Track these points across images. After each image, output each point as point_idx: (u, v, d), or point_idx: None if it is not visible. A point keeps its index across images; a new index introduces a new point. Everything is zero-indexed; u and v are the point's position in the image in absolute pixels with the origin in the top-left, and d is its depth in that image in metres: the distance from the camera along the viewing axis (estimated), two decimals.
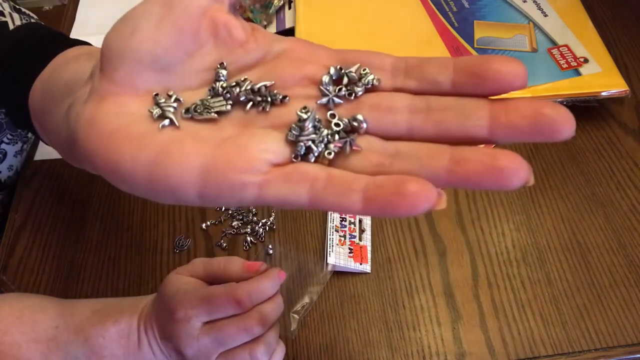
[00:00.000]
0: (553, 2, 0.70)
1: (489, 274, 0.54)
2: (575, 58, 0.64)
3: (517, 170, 0.20)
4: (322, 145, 0.23)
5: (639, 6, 0.75)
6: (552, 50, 0.65)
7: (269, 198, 0.22)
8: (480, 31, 0.68)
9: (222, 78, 0.25)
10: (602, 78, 0.62)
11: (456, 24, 0.69)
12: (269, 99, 0.24)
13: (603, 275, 0.53)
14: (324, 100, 0.24)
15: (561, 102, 0.62)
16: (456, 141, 0.22)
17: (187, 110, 0.25)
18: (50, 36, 0.45)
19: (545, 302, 0.52)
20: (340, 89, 0.24)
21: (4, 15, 0.48)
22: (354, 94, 0.24)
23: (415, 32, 0.69)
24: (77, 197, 0.62)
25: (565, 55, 0.64)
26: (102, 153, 0.24)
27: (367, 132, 0.24)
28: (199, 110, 0.24)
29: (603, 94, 0.61)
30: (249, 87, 0.25)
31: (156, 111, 0.24)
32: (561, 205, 0.58)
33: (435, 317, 0.51)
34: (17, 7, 0.50)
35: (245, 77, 0.25)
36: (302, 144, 0.23)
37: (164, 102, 0.24)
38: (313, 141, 0.23)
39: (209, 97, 0.25)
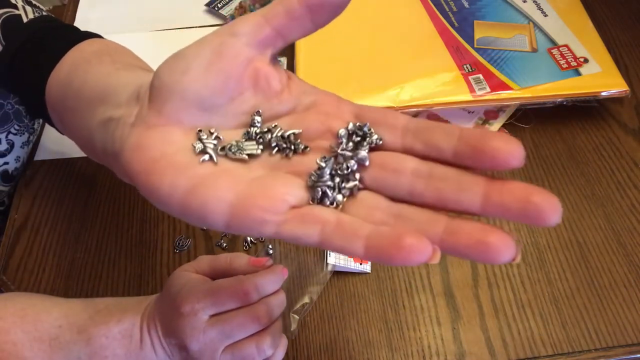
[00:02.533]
0: (553, 2, 0.70)
1: (489, 274, 0.54)
2: (575, 58, 0.64)
3: (504, 250, 0.22)
4: (337, 190, 0.26)
5: (639, 6, 0.75)
6: (552, 50, 0.65)
7: (284, 235, 0.25)
8: (480, 31, 0.68)
9: (257, 124, 0.28)
10: (602, 78, 0.62)
11: (456, 24, 0.69)
12: (293, 147, 0.28)
13: (603, 275, 0.53)
14: (339, 150, 0.27)
15: (561, 102, 0.62)
16: (450, 210, 0.24)
17: (223, 149, 0.28)
18: (63, 28, 0.47)
19: (545, 302, 0.52)
20: (349, 143, 0.27)
21: (17, 8, 0.48)
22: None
23: (415, 32, 0.69)
24: (77, 197, 0.62)
25: (565, 55, 0.64)
26: (145, 176, 0.27)
27: (374, 190, 0.26)
28: (233, 150, 0.27)
29: (603, 94, 0.61)
30: (279, 134, 0.28)
31: (198, 146, 0.27)
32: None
33: (435, 317, 0.51)
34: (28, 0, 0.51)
35: (276, 124, 0.28)
36: (319, 189, 0.26)
37: (206, 139, 0.27)
38: (329, 187, 0.26)
39: (243, 140, 0.28)
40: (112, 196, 0.62)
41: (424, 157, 0.26)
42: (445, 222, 0.23)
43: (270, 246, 0.56)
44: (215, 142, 0.28)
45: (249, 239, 0.57)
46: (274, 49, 0.29)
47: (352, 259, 0.53)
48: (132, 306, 0.45)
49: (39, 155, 0.65)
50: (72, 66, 0.41)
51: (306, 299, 0.52)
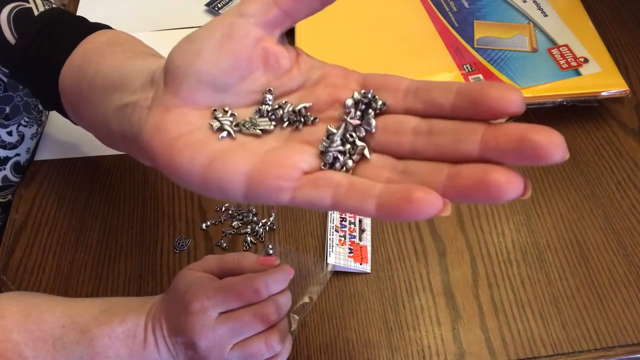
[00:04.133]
0: (553, 2, 0.70)
1: (489, 274, 0.54)
2: (575, 58, 0.64)
3: (507, 185, 0.22)
4: (347, 156, 0.27)
5: (639, 6, 0.75)
6: (552, 50, 0.65)
7: (299, 201, 0.26)
8: (480, 31, 0.68)
9: (268, 102, 0.29)
10: (602, 78, 0.62)
11: (456, 24, 0.69)
12: (302, 119, 0.29)
13: (603, 275, 0.53)
14: (348, 119, 0.28)
15: (561, 102, 0.62)
16: (453, 161, 0.24)
17: (237, 125, 0.29)
18: (74, 20, 0.48)
19: (545, 302, 0.52)
20: (357, 112, 0.28)
21: (28, 1, 0.49)
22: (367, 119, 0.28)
23: (415, 32, 0.69)
24: (77, 197, 0.62)
25: (565, 55, 0.64)
26: (165, 156, 0.28)
27: (379, 151, 0.27)
28: (247, 126, 0.29)
29: (603, 94, 0.61)
30: (290, 109, 0.29)
31: (216, 124, 0.28)
32: (561, 205, 0.58)
33: (435, 317, 0.51)
34: None
35: (286, 100, 0.30)
36: (330, 154, 0.27)
37: (222, 117, 0.29)
38: (340, 152, 0.27)
39: (257, 117, 0.29)
40: (112, 196, 0.62)
41: (426, 115, 0.26)
42: (448, 169, 0.24)
43: (270, 246, 0.56)
44: (230, 119, 0.29)
45: (249, 239, 0.57)
46: (282, 28, 0.29)
47: (352, 258, 0.53)
48: (136, 306, 0.45)
49: (39, 156, 0.65)
50: (84, 57, 0.42)
51: (306, 299, 0.52)
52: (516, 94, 0.23)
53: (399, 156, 0.26)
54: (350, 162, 0.27)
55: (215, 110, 0.29)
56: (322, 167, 0.27)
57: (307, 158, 0.27)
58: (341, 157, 0.27)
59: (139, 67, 0.34)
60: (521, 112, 0.23)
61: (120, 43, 0.42)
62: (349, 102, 0.28)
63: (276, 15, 0.28)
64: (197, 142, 0.28)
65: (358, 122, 0.27)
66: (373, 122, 0.27)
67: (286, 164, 0.26)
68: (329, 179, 0.26)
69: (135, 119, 0.31)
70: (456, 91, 0.25)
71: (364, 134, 0.27)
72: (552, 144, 0.21)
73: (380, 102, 0.27)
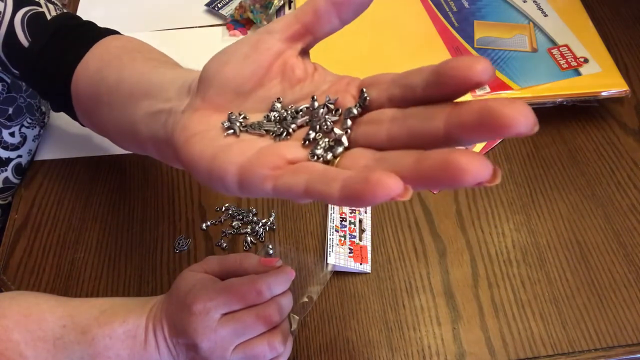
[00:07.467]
0: (553, 2, 0.70)
1: (489, 274, 0.54)
2: (575, 58, 0.64)
3: (469, 166, 0.21)
4: (326, 145, 0.28)
5: (639, 6, 0.75)
6: (552, 50, 0.65)
7: (280, 189, 0.27)
8: (480, 31, 0.68)
9: (276, 109, 0.32)
10: (602, 78, 0.62)
11: (456, 24, 0.69)
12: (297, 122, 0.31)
13: (603, 275, 0.53)
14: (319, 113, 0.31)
15: (561, 102, 0.62)
16: (424, 142, 0.25)
17: (246, 126, 0.32)
18: (85, 25, 0.50)
19: (545, 302, 0.52)
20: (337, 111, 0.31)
21: (40, 6, 0.50)
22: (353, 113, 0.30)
23: (415, 32, 0.69)
24: (77, 197, 0.62)
25: (565, 55, 0.64)
26: (184, 150, 0.31)
27: (362, 144, 0.28)
28: (254, 127, 0.32)
29: (603, 94, 0.61)
30: (293, 109, 0.31)
31: (226, 124, 0.32)
32: (561, 205, 0.58)
33: (435, 317, 0.51)
34: None
35: (292, 105, 0.32)
36: (311, 132, 0.29)
37: (234, 118, 0.32)
38: (316, 130, 0.29)
39: (264, 121, 0.32)
40: (112, 196, 0.62)
41: (403, 99, 0.27)
42: (417, 154, 0.24)
43: (270, 246, 0.56)
44: (241, 120, 0.32)
45: (249, 239, 0.57)
46: (304, 43, 0.32)
47: (352, 258, 0.53)
48: (137, 307, 0.45)
49: (39, 156, 0.65)
50: (101, 62, 0.44)
51: (306, 299, 0.52)
52: (482, 63, 0.23)
53: (379, 145, 0.27)
54: (329, 155, 0.28)
55: (231, 113, 0.32)
56: (309, 158, 0.28)
57: (293, 150, 0.29)
58: (315, 134, 0.29)
59: (170, 77, 0.37)
60: (489, 80, 0.23)
61: (137, 50, 0.44)
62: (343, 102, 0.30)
63: (298, 31, 0.31)
64: (209, 138, 0.31)
65: (335, 117, 0.30)
66: (354, 110, 0.29)
67: (273, 154, 0.28)
68: (309, 167, 0.27)
69: (170, 124, 0.34)
70: (428, 71, 0.26)
71: (349, 122, 0.29)
72: (516, 112, 0.21)
73: (365, 97, 0.29)
